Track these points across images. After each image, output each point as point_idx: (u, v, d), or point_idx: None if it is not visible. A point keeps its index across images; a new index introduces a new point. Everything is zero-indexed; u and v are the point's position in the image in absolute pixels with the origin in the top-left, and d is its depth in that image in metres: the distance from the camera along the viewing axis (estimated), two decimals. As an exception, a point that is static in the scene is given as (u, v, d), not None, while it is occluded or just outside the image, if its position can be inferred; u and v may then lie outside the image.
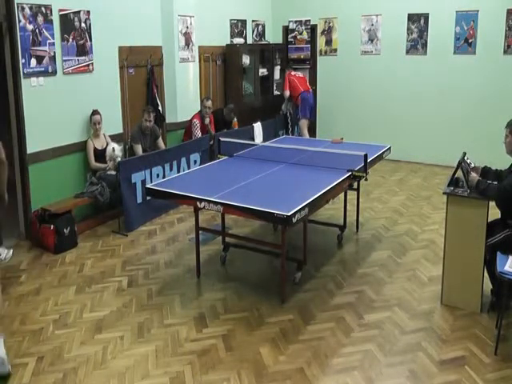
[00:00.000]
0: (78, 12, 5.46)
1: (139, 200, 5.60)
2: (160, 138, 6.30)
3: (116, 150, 5.61)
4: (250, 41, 8.66)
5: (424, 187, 6.92)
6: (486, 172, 3.86)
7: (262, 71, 8.58)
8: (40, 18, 5.03)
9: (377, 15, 8.23)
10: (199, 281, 4.35)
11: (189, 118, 6.84)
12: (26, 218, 5.13)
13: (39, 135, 5.10)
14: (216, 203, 3.71)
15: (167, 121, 6.86)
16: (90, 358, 3.27)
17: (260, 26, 8.99)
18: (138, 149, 5.93)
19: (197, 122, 6.71)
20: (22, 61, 4.88)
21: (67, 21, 5.34)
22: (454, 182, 3.82)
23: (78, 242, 5.10)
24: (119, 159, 5.56)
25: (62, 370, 3.15)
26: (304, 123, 8.12)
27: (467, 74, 7.60)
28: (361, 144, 5.53)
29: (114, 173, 5.58)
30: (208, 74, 7.69)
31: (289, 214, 3.40)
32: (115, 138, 5.95)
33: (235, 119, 7.44)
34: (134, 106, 6.36)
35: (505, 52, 7.28)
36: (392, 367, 3.15)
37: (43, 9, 5.05)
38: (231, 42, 8.15)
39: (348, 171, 4.39)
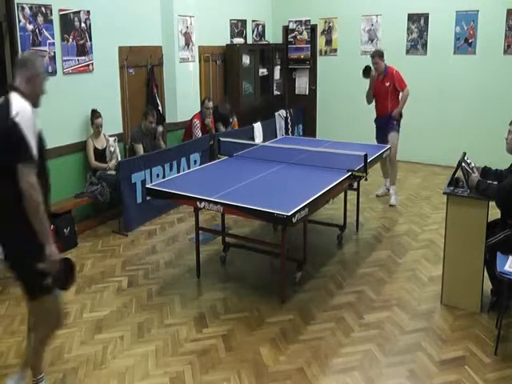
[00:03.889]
0: (78, 12, 5.46)
1: (139, 200, 5.60)
2: (160, 138, 6.30)
3: (111, 141, 5.71)
4: (250, 41, 8.66)
5: (424, 187, 6.92)
6: (486, 172, 3.85)
7: (262, 71, 8.58)
8: (40, 18, 5.03)
9: (377, 15, 8.22)
10: (199, 281, 4.35)
11: (189, 118, 6.84)
12: (26, 218, 5.12)
13: (39, 135, 5.10)
14: (216, 203, 3.71)
15: (167, 121, 6.86)
16: (89, 358, 3.27)
17: (260, 26, 8.98)
18: (139, 149, 5.93)
19: (197, 122, 6.71)
20: (22, 61, 4.88)
21: (67, 21, 5.34)
22: (454, 182, 3.82)
23: (78, 242, 5.10)
24: (116, 152, 5.69)
25: (61, 370, 3.15)
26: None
27: (467, 74, 7.60)
28: (361, 144, 5.54)
29: (114, 173, 5.58)
30: (208, 74, 7.69)
31: (289, 214, 3.40)
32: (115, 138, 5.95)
33: (235, 119, 7.45)
34: (134, 106, 6.36)
35: (505, 52, 7.28)
36: (392, 367, 3.15)
37: (43, 9, 5.05)
38: (231, 42, 8.14)
39: (348, 171, 4.39)
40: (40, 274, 2.54)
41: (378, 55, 6.13)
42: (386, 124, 6.22)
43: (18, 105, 2.49)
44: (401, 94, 6.20)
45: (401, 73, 6.19)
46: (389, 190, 6.53)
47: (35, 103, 2.63)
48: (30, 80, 2.60)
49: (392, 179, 6.36)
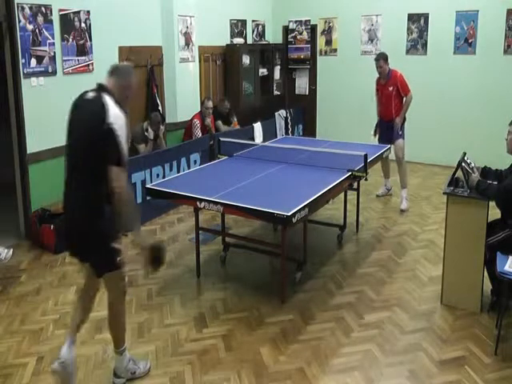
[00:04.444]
0: (78, 12, 5.46)
1: (139, 200, 5.59)
2: (162, 138, 6.30)
3: None
4: (250, 41, 8.66)
5: (424, 187, 6.92)
6: (486, 172, 3.85)
7: (262, 71, 8.59)
8: (40, 18, 5.03)
9: (377, 15, 8.23)
10: (199, 281, 4.35)
11: (189, 118, 6.84)
12: (26, 218, 5.13)
13: (39, 135, 5.10)
14: (216, 203, 3.71)
15: (167, 121, 6.86)
16: (90, 358, 3.27)
17: (260, 26, 8.98)
18: (141, 149, 5.93)
19: (197, 122, 6.71)
20: (22, 61, 4.87)
21: (67, 21, 5.34)
22: (454, 182, 3.82)
23: (78, 242, 5.09)
24: None
25: (62, 369, 3.15)
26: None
27: (467, 74, 7.60)
28: (361, 144, 5.54)
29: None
30: (208, 74, 7.69)
31: (289, 213, 3.40)
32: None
33: (235, 119, 7.45)
34: (134, 105, 6.34)
35: (505, 52, 7.28)
36: (392, 367, 3.15)
37: (43, 9, 5.05)
38: (231, 42, 8.15)
39: (348, 171, 4.39)
40: (114, 252, 2.77)
41: (382, 58, 6.00)
42: (391, 129, 6.11)
43: (115, 111, 2.62)
44: (404, 98, 6.07)
45: (404, 76, 6.10)
46: (389, 190, 6.54)
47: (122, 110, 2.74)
48: (122, 88, 2.79)
49: (403, 183, 6.15)
